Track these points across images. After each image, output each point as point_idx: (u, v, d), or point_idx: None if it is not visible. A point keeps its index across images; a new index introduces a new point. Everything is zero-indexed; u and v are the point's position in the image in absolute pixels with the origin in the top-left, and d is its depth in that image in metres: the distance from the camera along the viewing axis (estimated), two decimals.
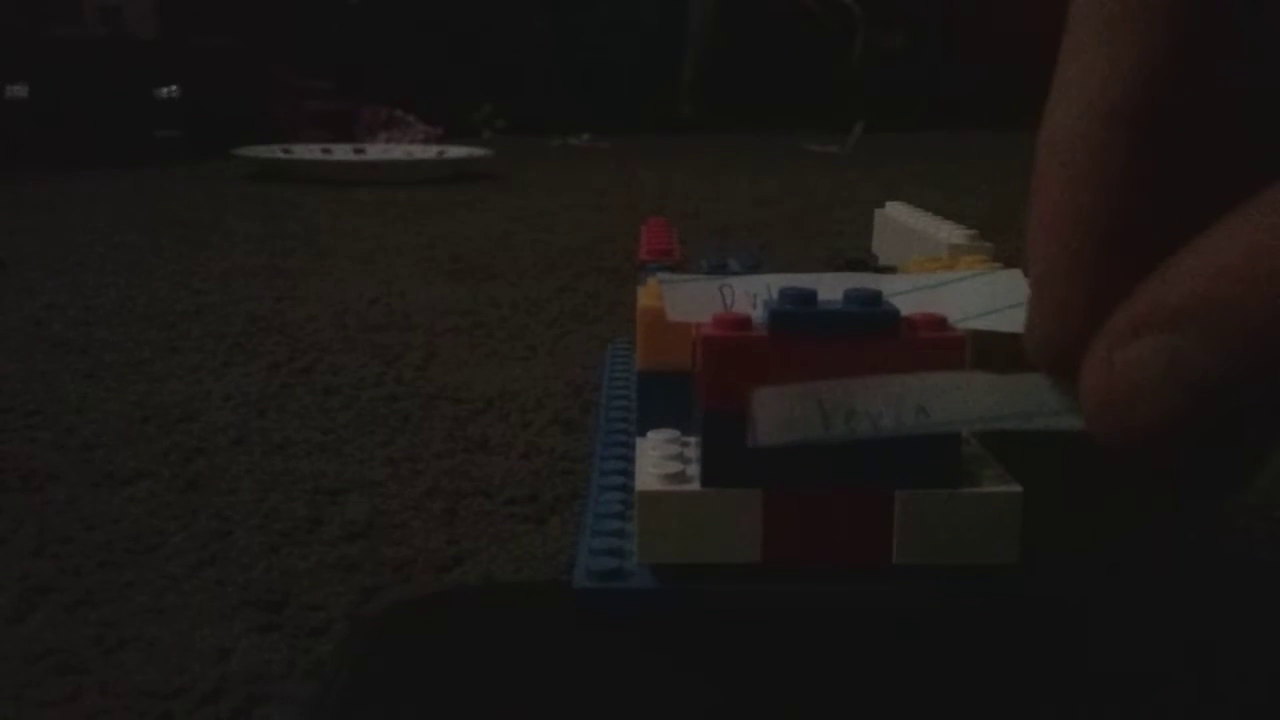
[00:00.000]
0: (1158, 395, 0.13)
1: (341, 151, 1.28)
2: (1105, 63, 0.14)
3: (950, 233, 0.30)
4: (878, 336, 0.21)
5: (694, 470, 0.22)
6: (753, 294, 0.23)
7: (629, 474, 0.25)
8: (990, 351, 0.23)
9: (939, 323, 0.21)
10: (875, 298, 0.21)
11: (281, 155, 1.20)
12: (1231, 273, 0.12)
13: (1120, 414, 0.14)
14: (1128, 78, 0.13)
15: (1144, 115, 0.13)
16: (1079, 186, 0.14)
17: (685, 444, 0.23)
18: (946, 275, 0.24)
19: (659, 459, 0.22)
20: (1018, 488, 0.21)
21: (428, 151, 1.30)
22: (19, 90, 1.36)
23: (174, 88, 1.48)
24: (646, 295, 0.25)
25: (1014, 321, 0.23)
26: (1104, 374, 0.14)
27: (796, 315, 0.21)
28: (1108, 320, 0.14)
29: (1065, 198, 0.14)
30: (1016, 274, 0.24)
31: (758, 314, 0.22)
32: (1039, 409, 0.16)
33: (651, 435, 0.23)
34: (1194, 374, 0.13)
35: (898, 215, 0.36)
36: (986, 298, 0.24)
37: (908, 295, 0.23)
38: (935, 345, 0.21)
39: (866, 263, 0.41)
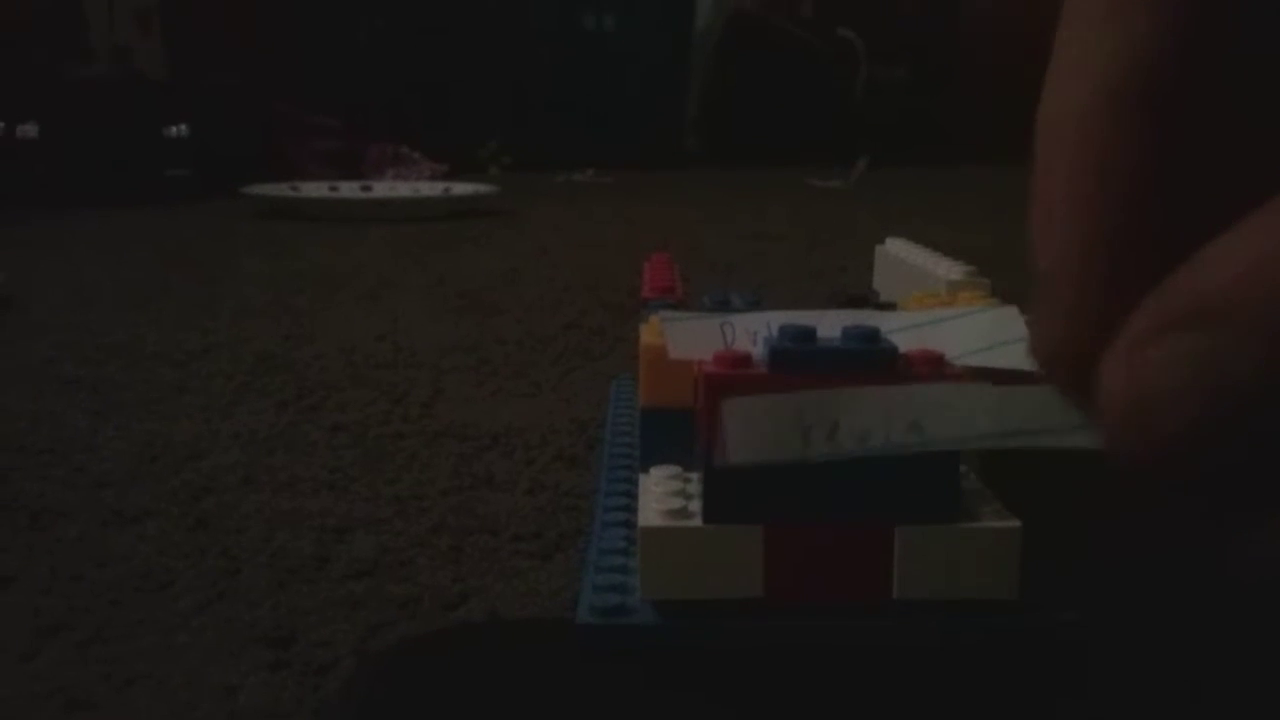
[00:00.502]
0: (1186, 402, 0.12)
1: (349, 189, 1.28)
2: (1112, 36, 0.12)
3: (949, 269, 0.30)
4: (876, 374, 0.21)
5: (696, 506, 0.22)
6: (753, 331, 0.23)
7: (632, 510, 0.25)
8: None
9: (937, 360, 0.22)
10: (873, 335, 0.22)
11: (290, 193, 1.21)
12: (1277, 264, 0.11)
13: (1143, 424, 0.12)
14: (1139, 51, 0.12)
15: (1158, 91, 0.12)
16: (1087, 173, 0.12)
17: (688, 480, 0.23)
18: (945, 312, 0.25)
19: (661, 495, 0.22)
20: (1016, 523, 0.21)
21: (434, 188, 1.30)
22: (29, 129, 1.37)
23: (183, 127, 1.50)
24: (649, 333, 0.25)
25: (1011, 357, 0.24)
26: (1125, 378, 0.12)
27: (796, 352, 0.21)
28: (1128, 319, 0.12)
29: (1072, 187, 0.13)
30: (1013, 310, 0.24)
31: (758, 351, 0.22)
32: (1046, 425, 0.15)
33: (654, 472, 0.24)
34: (1229, 378, 0.11)
35: (898, 251, 0.36)
36: (984, 334, 0.24)
37: (907, 332, 0.24)
38: (931, 382, 0.21)
39: (868, 299, 0.41)
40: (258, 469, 0.35)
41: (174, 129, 1.53)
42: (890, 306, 0.34)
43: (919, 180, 1.56)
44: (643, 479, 0.24)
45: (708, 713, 0.20)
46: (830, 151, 1.68)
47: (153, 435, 0.39)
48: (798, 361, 0.21)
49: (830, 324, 0.22)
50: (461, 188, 1.27)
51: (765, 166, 1.73)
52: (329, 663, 0.23)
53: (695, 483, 0.23)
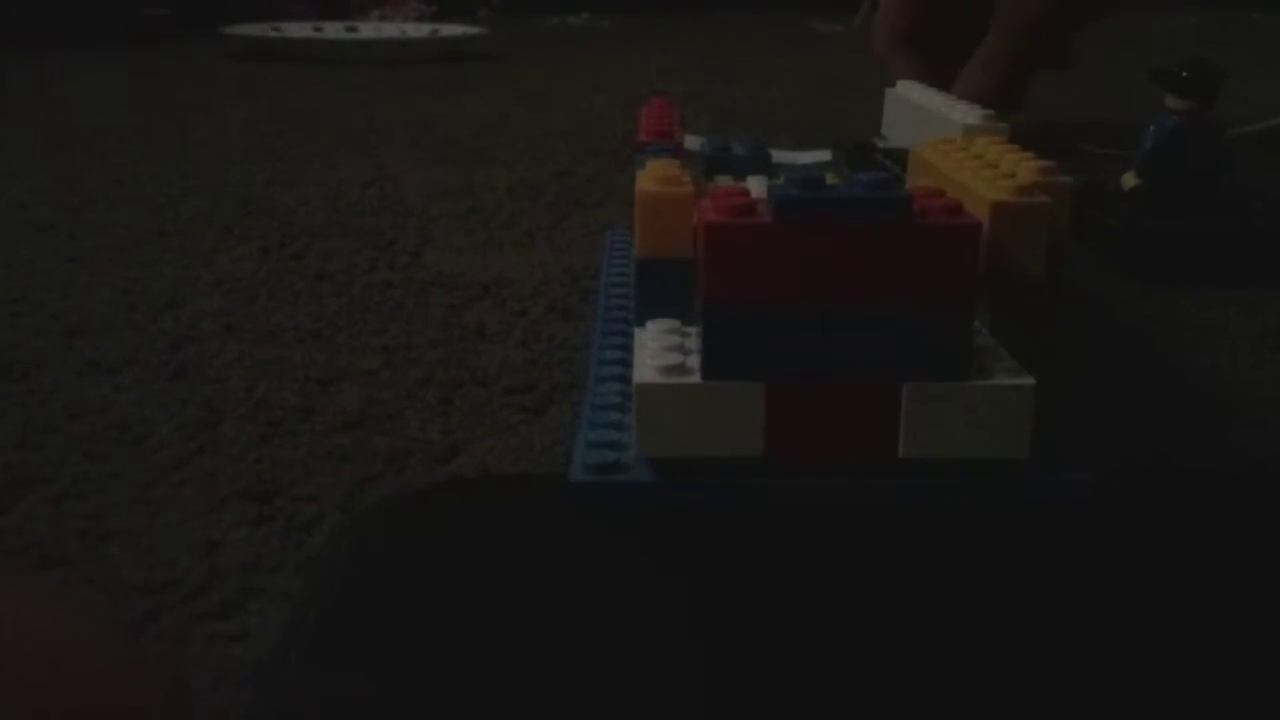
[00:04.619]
0: None
1: (333, 29, 1.24)
2: None
3: (964, 113, 0.29)
4: (888, 222, 0.20)
5: (694, 362, 0.21)
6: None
7: (628, 365, 0.24)
8: (1008, 277, 0.22)
9: (953, 208, 0.20)
10: (886, 182, 0.20)
11: (272, 33, 1.17)
12: None
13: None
14: None
15: None
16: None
17: (685, 334, 0.22)
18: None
19: (658, 350, 0.21)
20: (1030, 380, 0.20)
21: (421, 30, 1.26)
22: None
23: None
24: (646, 179, 0.24)
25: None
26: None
27: (803, 200, 0.20)
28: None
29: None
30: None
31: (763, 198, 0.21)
32: None
33: (650, 325, 0.23)
34: None
35: (909, 95, 0.34)
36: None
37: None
38: (948, 232, 0.20)
39: (875, 146, 0.40)
40: (240, 317, 0.34)
41: None
42: (901, 153, 0.32)
43: None
44: (638, 333, 0.23)
45: (704, 573, 0.19)
46: None
47: (130, 282, 0.38)
48: (805, 209, 0.20)
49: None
50: (450, 30, 1.23)
51: (766, 10, 1.67)
52: (314, 518, 0.23)
53: (694, 337, 0.22)
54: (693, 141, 0.34)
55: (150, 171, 0.56)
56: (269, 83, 0.92)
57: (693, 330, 0.22)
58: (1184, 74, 0.38)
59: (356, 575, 0.19)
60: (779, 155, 0.33)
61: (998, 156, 0.25)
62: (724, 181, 0.28)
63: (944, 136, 0.28)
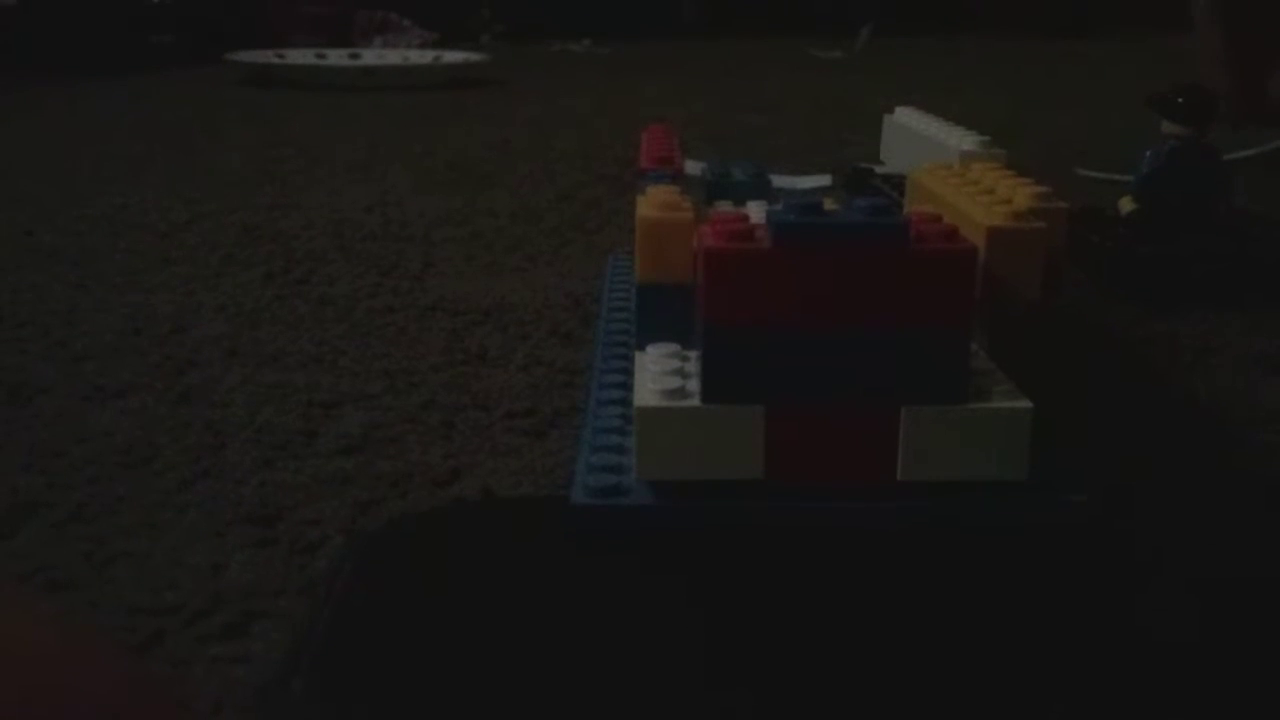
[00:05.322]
0: None
1: (336, 56, 1.25)
2: None
3: (962, 139, 0.29)
4: (886, 248, 0.20)
5: (694, 386, 0.21)
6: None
7: (628, 388, 0.24)
8: (1005, 301, 0.23)
9: (950, 234, 0.21)
10: (884, 208, 0.20)
11: (275, 60, 1.17)
12: None
13: None
14: None
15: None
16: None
17: (686, 359, 0.22)
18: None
19: (659, 374, 0.22)
20: (1027, 404, 0.21)
21: (424, 57, 1.27)
22: None
23: None
24: (646, 205, 0.24)
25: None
26: None
27: (802, 226, 0.20)
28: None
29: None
30: None
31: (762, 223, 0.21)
32: None
33: (651, 349, 0.23)
34: None
35: (907, 121, 0.35)
36: None
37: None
38: (945, 257, 0.20)
39: (874, 171, 0.40)
40: (243, 342, 0.34)
41: None
42: (899, 178, 0.32)
43: (926, 51, 1.52)
44: (639, 357, 0.23)
45: (704, 596, 0.19)
46: (833, 20, 1.63)
47: (135, 307, 0.38)
48: (803, 235, 0.20)
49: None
50: (452, 56, 1.24)
51: (765, 36, 1.68)
52: (317, 541, 0.23)
53: (693, 361, 0.22)
54: (693, 167, 0.34)
55: (154, 197, 0.56)
56: (272, 109, 0.93)
57: (693, 354, 0.22)
58: (1180, 99, 0.38)
59: (359, 598, 0.19)
60: (779, 180, 0.34)
61: (994, 182, 0.25)
62: (724, 207, 0.28)
63: (941, 162, 0.29)
